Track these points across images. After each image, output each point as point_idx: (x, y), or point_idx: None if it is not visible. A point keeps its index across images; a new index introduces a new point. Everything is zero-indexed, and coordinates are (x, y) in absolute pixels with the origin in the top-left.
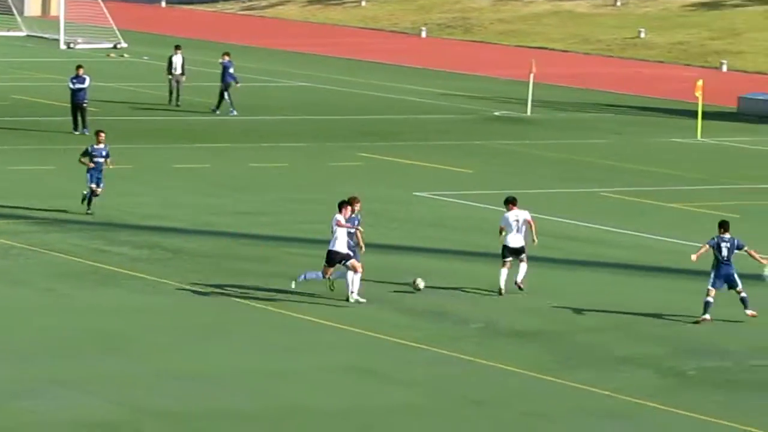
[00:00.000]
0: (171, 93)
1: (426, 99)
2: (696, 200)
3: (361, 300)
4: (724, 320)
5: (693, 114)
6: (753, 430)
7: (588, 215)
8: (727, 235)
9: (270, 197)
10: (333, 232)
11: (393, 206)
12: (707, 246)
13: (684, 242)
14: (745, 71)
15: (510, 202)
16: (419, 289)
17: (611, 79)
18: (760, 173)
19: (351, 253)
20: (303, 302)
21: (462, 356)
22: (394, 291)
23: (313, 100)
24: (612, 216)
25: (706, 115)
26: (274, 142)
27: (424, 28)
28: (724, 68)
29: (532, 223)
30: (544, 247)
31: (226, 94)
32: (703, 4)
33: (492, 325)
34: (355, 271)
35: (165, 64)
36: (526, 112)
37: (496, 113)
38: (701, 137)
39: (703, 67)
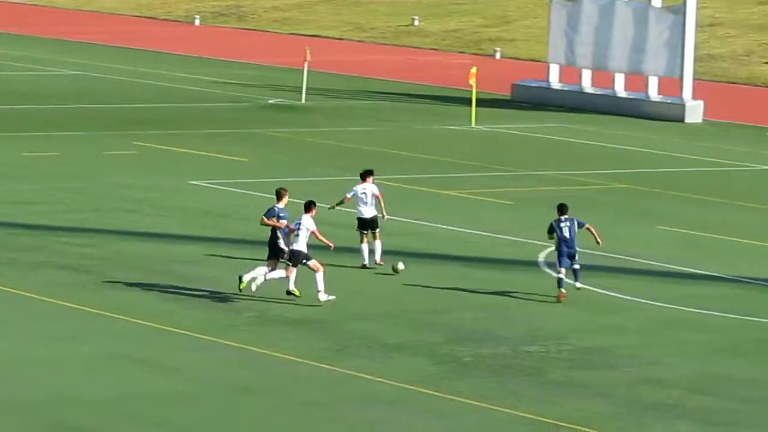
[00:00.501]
0: None
1: (200, 87)
2: (471, 187)
3: (330, 297)
4: (500, 307)
5: (467, 101)
6: (525, 414)
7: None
8: (564, 217)
9: (42, 186)
10: (296, 233)
11: (167, 194)
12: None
13: (459, 229)
14: (519, 58)
15: (366, 175)
16: (398, 272)
17: (386, 66)
18: (533, 160)
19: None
20: (70, 291)
21: (234, 344)
22: (165, 282)
23: (87, 89)
24: (386, 203)
25: (480, 103)
26: (47, 131)
27: (197, 17)
28: (498, 56)
29: (380, 198)
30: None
31: None
32: None
33: (265, 313)
34: (317, 270)
35: None
36: (300, 99)
37: (270, 101)
38: (475, 124)
39: (476, 54)
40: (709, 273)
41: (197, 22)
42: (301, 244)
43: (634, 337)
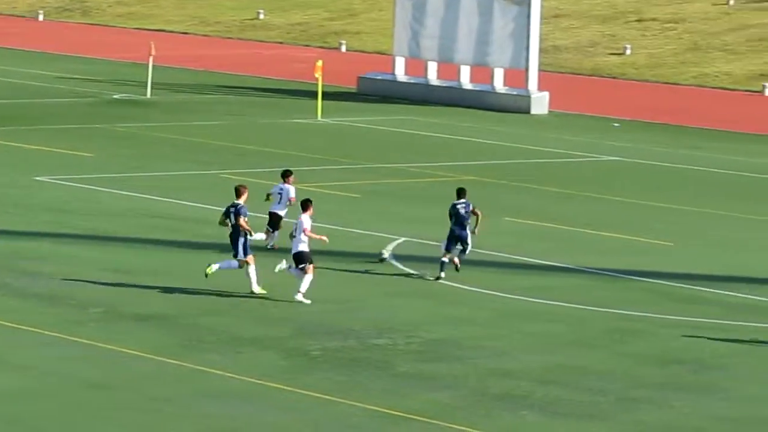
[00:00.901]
0: None
1: (44, 83)
2: (318, 180)
3: (306, 301)
4: (348, 301)
5: (314, 94)
6: (374, 408)
7: (211, 198)
8: (462, 200)
9: None
10: (295, 234)
11: (13, 191)
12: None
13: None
14: (364, 51)
15: (285, 176)
16: (384, 260)
17: (231, 60)
18: (380, 152)
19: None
20: None
21: (81, 340)
22: (10, 278)
23: None
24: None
25: (326, 96)
26: None
27: (41, 11)
28: (343, 49)
29: (292, 201)
30: (168, 229)
31: None
32: None
33: (113, 309)
34: (307, 273)
35: None
36: (145, 94)
37: (115, 96)
38: (321, 117)
39: (322, 47)
40: (557, 264)
41: (41, 17)
42: (304, 245)
43: (482, 329)
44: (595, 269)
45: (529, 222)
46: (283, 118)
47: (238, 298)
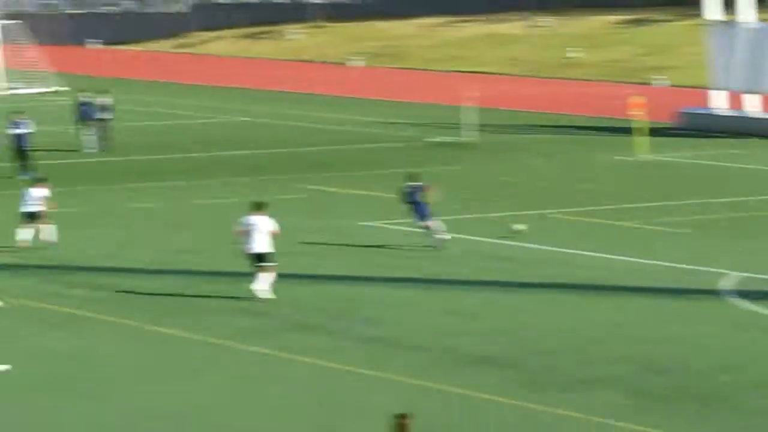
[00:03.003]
0: (100, 137)
1: (361, 128)
2: (646, 217)
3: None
4: (688, 337)
5: (629, 131)
6: None
7: (537, 236)
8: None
9: (217, 233)
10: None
11: (341, 236)
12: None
13: (638, 260)
14: (679, 86)
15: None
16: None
17: (546, 99)
18: (705, 187)
19: None
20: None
21: (426, 384)
22: (350, 323)
23: (251, 135)
24: (561, 236)
25: (645, 132)
26: (215, 178)
27: (355, 58)
28: (657, 84)
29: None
30: (501, 270)
31: (87, 130)
32: (631, 21)
33: (454, 351)
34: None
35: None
36: (463, 136)
37: (433, 139)
38: (642, 154)
39: (636, 83)
40: None
41: (355, 64)
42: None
43: None
44: None
45: None
46: (603, 156)
47: (576, 337)
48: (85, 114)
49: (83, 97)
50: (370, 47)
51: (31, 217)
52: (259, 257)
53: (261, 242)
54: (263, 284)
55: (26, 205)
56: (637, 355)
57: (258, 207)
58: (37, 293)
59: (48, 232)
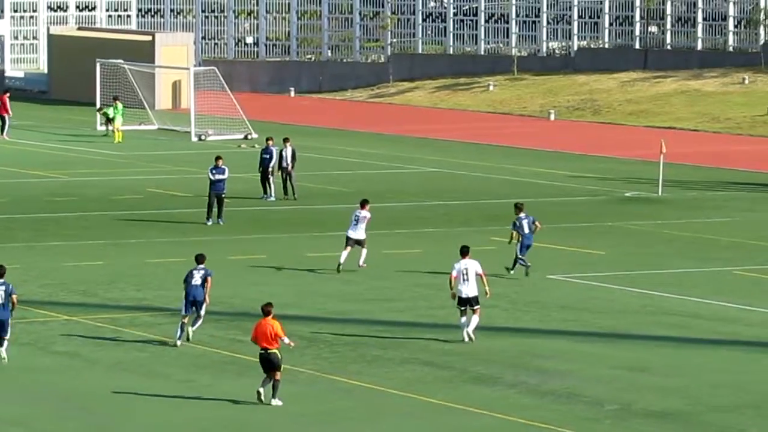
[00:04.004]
0: (285, 186)
1: (556, 182)
2: None
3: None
4: None
5: None
6: None
7: (721, 293)
8: (523, 214)
9: (404, 283)
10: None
11: (527, 289)
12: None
13: None
14: None
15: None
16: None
17: (742, 157)
18: None
19: None
20: (434, 387)
21: None
22: (525, 375)
23: (444, 186)
24: (747, 294)
25: None
26: (406, 228)
27: (552, 111)
28: None
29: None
30: (680, 326)
31: (271, 178)
32: None
33: (628, 406)
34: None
35: (276, 158)
36: (657, 192)
37: (627, 194)
38: None
39: None
40: None
41: (552, 117)
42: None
43: None
44: None
45: None
46: None
47: (754, 395)
48: (266, 162)
49: (267, 146)
50: (567, 100)
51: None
52: (468, 301)
53: (470, 286)
54: (472, 326)
55: None
56: None
57: (466, 251)
58: (217, 340)
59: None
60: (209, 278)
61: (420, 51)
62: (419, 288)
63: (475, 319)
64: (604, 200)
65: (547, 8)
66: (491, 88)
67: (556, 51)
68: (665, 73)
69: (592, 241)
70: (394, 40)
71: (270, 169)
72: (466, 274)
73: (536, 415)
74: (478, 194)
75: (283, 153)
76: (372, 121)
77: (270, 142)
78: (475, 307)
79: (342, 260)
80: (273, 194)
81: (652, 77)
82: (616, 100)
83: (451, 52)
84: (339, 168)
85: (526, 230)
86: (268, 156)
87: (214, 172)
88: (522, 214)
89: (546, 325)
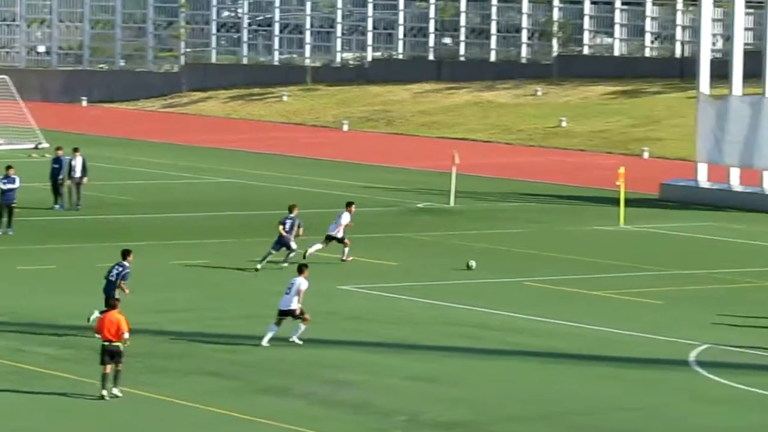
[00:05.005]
0: (70, 195)
1: (349, 192)
2: (621, 287)
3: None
4: (651, 407)
5: (615, 201)
6: None
7: (511, 304)
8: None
9: (191, 294)
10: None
11: (317, 299)
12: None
13: (608, 329)
14: (666, 158)
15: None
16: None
17: (533, 168)
18: (682, 259)
19: None
20: (221, 398)
21: None
22: (315, 386)
23: (237, 196)
24: (535, 305)
25: (629, 203)
26: (197, 239)
27: (345, 122)
28: (646, 155)
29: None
30: (469, 337)
31: (61, 188)
32: (622, 92)
33: (416, 417)
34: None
35: (66, 168)
36: (449, 203)
37: (419, 205)
38: (624, 224)
39: (624, 154)
40: None
41: (345, 128)
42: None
43: None
44: None
45: None
46: (586, 225)
47: (543, 405)
48: (56, 172)
49: (57, 155)
50: (360, 111)
51: None
52: (285, 313)
53: (291, 300)
54: (297, 335)
55: None
56: (598, 423)
57: (300, 270)
58: (2, 350)
59: None
60: None
61: (214, 61)
62: (207, 299)
63: (302, 328)
64: (396, 211)
65: (342, 19)
66: (285, 98)
67: (350, 62)
68: (459, 85)
69: (383, 251)
70: (188, 50)
71: (60, 179)
72: (290, 288)
73: (326, 426)
74: (270, 205)
75: (73, 163)
76: (165, 131)
77: (60, 152)
78: (298, 318)
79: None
80: (64, 204)
81: (446, 88)
82: (410, 111)
83: (245, 62)
84: (131, 178)
85: (287, 228)
86: (58, 166)
87: (4, 181)
88: (293, 214)
89: (337, 336)
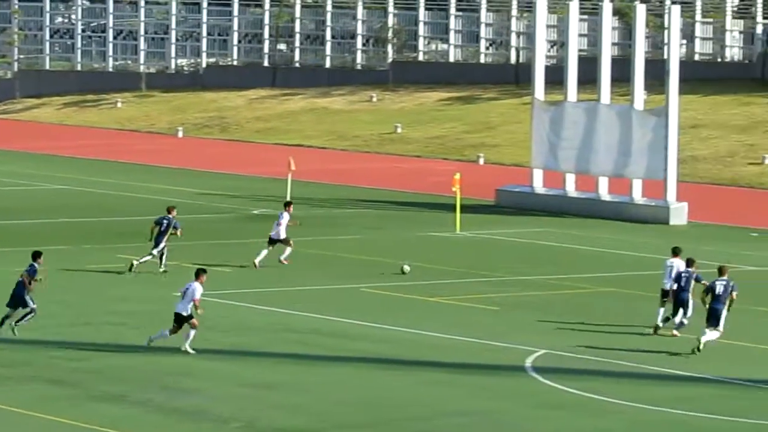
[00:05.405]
0: None
1: (184, 199)
2: (457, 293)
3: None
4: (489, 413)
5: (452, 208)
6: None
7: (348, 311)
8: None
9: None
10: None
11: (152, 306)
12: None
13: (447, 336)
14: (502, 164)
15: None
16: (405, 273)
17: (369, 174)
18: (518, 265)
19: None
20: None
21: None
22: (152, 393)
23: (72, 203)
24: (372, 311)
25: (465, 209)
26: (34, 246)
27: (180, 128)
28: (481, 161)
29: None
30: (304, 343)
31: None
32: (458, 99)
33: (253, 424)
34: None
35: None
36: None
37: (254, 211)
38: (460, 231)
39: (460, 160)
40: (695, 375)
41: (180, 134)
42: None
43: None
44: (735, 379)
45: (668, 333)
46: (422, 232)
47: (375, 411)
48: None
49: None
50: (195, 118)
51: None
52: (181, 318)
53: (184, 306)
54: (188, 343)
55: None
56: (435, 429)
57: (197, 275)
58: None
59: None
60: None
61: (48, 67)
62: (48, 305)
63: (192, 335)
64: (232, 217)
65: (176, 25)
66: (119, 104)
67: (185, 68)
68: (294, 91)
69: (219, 258)
70: (21, 56)
71: None
72: (185, 292)
73: None
74: (105, 211)
75: None
76: None
77: None
78: (190, 322)
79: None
80: None
81: (281, 95)
82: (245, 118)
83: (79, 68)
84: None
85: (163, 229)
86: None
87: None
88: (171, 215)
89: (174, 343)
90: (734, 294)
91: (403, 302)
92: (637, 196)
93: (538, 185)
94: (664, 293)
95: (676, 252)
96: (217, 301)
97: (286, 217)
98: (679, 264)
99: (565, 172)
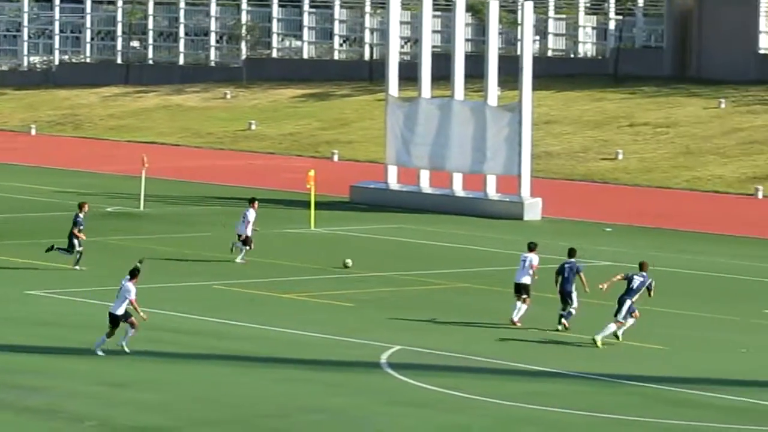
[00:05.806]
0: None
1: (38, 197)
2: (311, 290)
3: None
4: (344, 410)
5: (306, 204)
6: None
7: (202, 308)
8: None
9: None
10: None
11: (6, 305)
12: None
13: (301, 332)
14: (357, 160)
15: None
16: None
17: (223, 171)
18: (373, 261)
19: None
20: None
21: None
22: (4, 392)
23: None
24: (226, 308)
25: (319, 205)
26: None
27: (33, 126)
28: (336, 158)
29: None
30: (159, 341)
31: None
32: (312, 95)
33: (108, 422)
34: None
35: None
36: (139, 207)
37: (108, 209)
38: (314, 227)
39: (314, 157)
40: (552, 370)
41: (33, 132)
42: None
43: None
44: (589, 374)
45: (525, 329)
46: (276, 228)
47: (229, 409)
48: None
49: None
50: (48, 115)
51: None
52: (116, 318)
53: (117, 306)
54: (125, 341)
55: None
56: (289, 427)
57: (132, 274)
58: None
59: None
60: None
61: None
62: None
63: (133, 333)
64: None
65: (29, 22)
66: None
67: (38, 65)
68: (147, 88)
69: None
70: None
71: None
72: (119, 292)
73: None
74: None
75: None
76: None
77: None
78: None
79: None
80: None
81: (134, 92)
82: (98, 115)
83: None
84: None
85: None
86: None
87: None
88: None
89: (25, 341)
90: (651, 293)
91: (257, 299)
92: (492, 192)
93: (393, 182)
94: (518, 287)
95: (531, 247)
96: (70, 299)
97: (252, 215)
98: (533, 258)
99: (420, 169)
